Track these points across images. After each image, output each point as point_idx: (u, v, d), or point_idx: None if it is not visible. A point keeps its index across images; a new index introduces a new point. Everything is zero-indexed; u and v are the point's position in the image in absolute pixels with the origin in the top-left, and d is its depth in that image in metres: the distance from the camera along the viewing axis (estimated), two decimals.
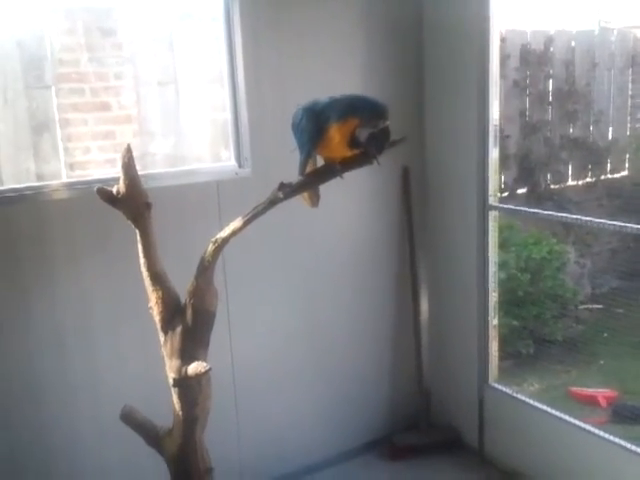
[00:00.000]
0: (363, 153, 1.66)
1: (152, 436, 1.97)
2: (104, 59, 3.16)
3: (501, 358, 3.20)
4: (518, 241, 3.77)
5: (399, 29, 2.95)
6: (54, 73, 3.11)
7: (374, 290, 3.10)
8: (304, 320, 2.92)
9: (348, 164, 1.73)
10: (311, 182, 1.78)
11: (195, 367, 1.82)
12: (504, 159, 3.97)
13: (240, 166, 2.65)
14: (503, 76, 3.53)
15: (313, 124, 1.64)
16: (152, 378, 2.08)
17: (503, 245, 3.59)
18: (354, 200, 2.97)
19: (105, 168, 3.27)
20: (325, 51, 2.78)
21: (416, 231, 3.12)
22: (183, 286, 1.88)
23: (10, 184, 2.86)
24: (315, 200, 1.85)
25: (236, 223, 1.77)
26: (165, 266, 1.89)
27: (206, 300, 1.87)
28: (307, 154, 1.69)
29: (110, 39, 3.19)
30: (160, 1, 2.99)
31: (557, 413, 2.68)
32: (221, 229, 2.28)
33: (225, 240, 1.78)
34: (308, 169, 1.76)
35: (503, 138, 3.92)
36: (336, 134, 1.62)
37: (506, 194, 4.17)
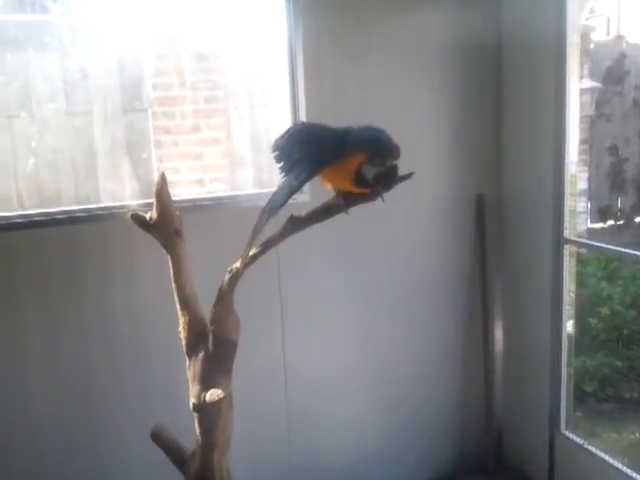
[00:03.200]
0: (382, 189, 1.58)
1: (178, 457, 2.02)
2: (195, 83, 3.30)
3: (600, 400, 2.91)
4: (626, 274, 3.42)
5: (475, 53, 2.84)
6: (149, 97, 3.29)
7: (442, 321, 2.99)
8: (364, 348, 2.87)
9: (352, 200, 1.66)
10: (319, 216, 1.73)
11: (212, 394, 1.83)
12: (620, 183, 3.64)
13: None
14: (609, 98, 3.25)
15: (309, 150, 1.58)
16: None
17: (610, 278, 3.28)
18: (425, 226, 2.89)
19: (193, 188, 3.41)
20: (394, 74, 2.75)
21: (489, 260, 2.96)
22: None
23: (108, 202, 3.07)
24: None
25: (249, 252, 1.76)
26: None
27: (226, 328, 1.88)
28: (301, 181, 1.61)
29: (202, 64, 3.32)
30: (248, 27, 3.06)
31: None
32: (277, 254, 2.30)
33: (240, 271, 1.77)
34: None
35: (621, 161, 3.60)
36: (346, 167, 1.54)
37: (621, 222, 3.81)
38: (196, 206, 2.61)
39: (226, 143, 3.38)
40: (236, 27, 3.02)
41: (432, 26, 2.76)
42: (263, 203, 1.65)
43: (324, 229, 2.44)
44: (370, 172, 1.53)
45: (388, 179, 1.55)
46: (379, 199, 1.61)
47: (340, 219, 2.38)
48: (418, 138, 2.79)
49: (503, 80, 2.86)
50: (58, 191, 3.07)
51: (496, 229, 2.96)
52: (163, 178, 1.92)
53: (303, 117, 2.59)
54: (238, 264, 1.78)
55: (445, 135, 2.87)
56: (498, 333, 3.06)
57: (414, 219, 2.85)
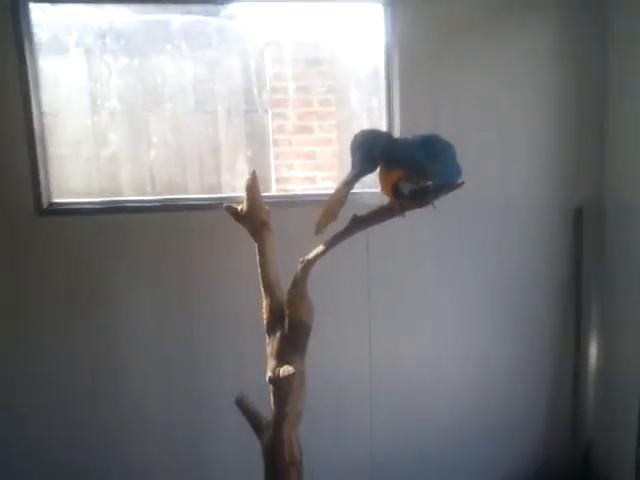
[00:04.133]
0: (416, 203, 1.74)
1: (256, 424, 2.24)
2: (310, 87, 3.55)
3: None
4: None
5: (577, 60, 2.83)
6: (269, 99, 3.58)
7: (535, 331, 3.02)
8: (451, 350, 2.96)
9: (407, 205, 1.81)
10: (378, 217, 1.89)
11: (284, 369, 2.05)
12: None
13: None
14: None
15: (362, 151, 1.77)
16: None
17: None
18: (519, 234, 2.94)
19: (304, 184, 3.66)
20: (491, 82, 2.81)
21: (586, 275, 2.95)
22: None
23: (227, 193, 3.39)
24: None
25: (320, 248, 1.96)
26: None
27: (300, 312, 2.08)
28: (354, 175, 1.87)
29: (317, 69, 3.56)
30: (354, 35, 3.25)
31: None
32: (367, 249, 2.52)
33: (310, 261, 1.98)
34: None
35: None
36: (386, 180, 1.73)
37: None
38: (287, 201, 2.86)
39: (337, 143, 3.58)
40: (344, 35, 3.21)
41: (533, 35, 2.79)
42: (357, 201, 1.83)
43: (416, 228, 2.62)
44: (406, 187, 1.72)
45: (422, 195, 1.71)
46: (432, 206, 1.74)
47: (433, 221, 2.55)
48: (514, 149, 2.85)
49: (608, 90, 2.81)
50: (185, 181, 3.43)
51: (595, 243, 2.93)
52: (254, 175, 2.16)
53: (397, 121, 2.72)
54: (309, 256, 1.98)
55: (544, 146, 2.89)
56: (592, 348, 3.03)
57: (508, 227, 2.91)
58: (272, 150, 3.64)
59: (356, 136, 1.88)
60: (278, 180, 3.64)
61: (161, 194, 3.03)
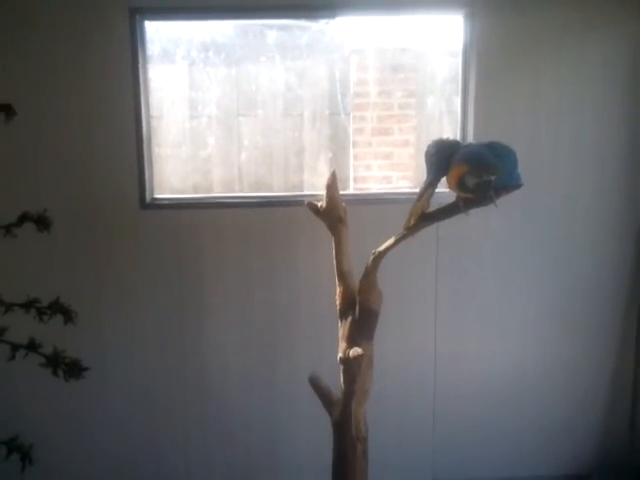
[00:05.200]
0: (479, 197, 1.92)
1: (327, 401, 2.48)
2: (391, 92, 3.77)
3: None
4: None
5: None
6: (351, 103, 3.83)
7: (598, 332, 3.14)
8: (514, 347, 3.11)
9: (470, 203, 2.00)
10: (443, 214, 2.09)
11: (354, 351, 2.27)
12: None
13: None
14: None
15: (438, 157, 1.97)
16: None
17: None
18: (589, 242, 3.06)
19: (381, 184, 3.89)
20: (565, 92, 2.94)
21: None
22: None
23: (308, 190, 3.66)
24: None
25: (390, 241, 2.18)
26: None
27: (370, 300, 2.31)
28: (428, 182, 2.03)
29: (398, 75, 3.77)
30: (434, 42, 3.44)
31: None
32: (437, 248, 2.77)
33: (381, 253, 2.20)
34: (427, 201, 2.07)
35: None
36: (451, 175, 1.92)
37: None
38: (363, 199, 3.12)
39: (414, 145, 3.78)
40: (427, 43, 3.40)
41: (607, 49, 2.89)
42: None
43: (487, 226, 2.80)
44: (470, 181, 1.86)
45: (485, 189, 1.85)
46: (493, 205, 1.92)
47: (503, 221, 2.71)
48: (584, 159, 2.98)
49: None
50: (270, 180, 3.72)
51: None
52: (333, 175, 2.40)
53: (471, 127, 2.90)
54: (380, 248, 2.21)
55: (614, 158, 2.99)
56: None
57: (576, 232, 3.04)
58: (352, 151, 3.87)
59: (429, 146, 2.09)
60: (356, 179, 3.87)
61: (249, 192, 3.32)
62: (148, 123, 2.93)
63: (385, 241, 2.20)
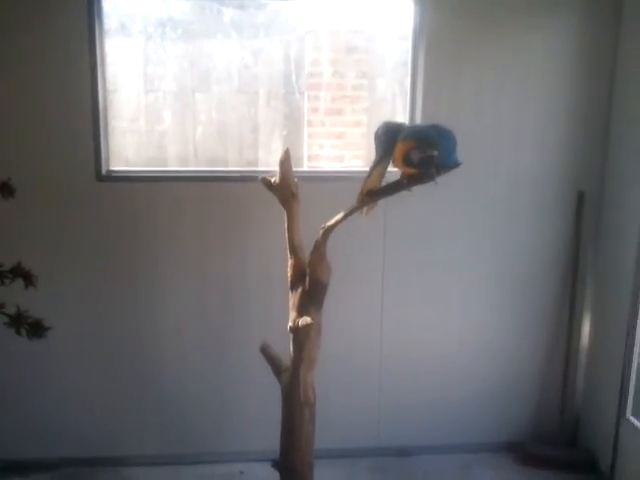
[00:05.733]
0: (422, 172, 2.06)
1: (277, 368, 2.60)
2: (345, 73, 3.87)
3: None
4: None
5: (589, 59, 3.08)
6: (306, 83, 3.91)
7: (533, 305, 3.32)
8: (456, 320, 3.30)
9: (413, 180, 2.13)
10: (388, 191, 2.23)
11: (303, 320, 2.39)
12: None
13: None
14: None
15: (386, 137, 2.10)
16: None
17: None
18: (524, 214, 3.22)
19: (334, 162, 3.99)
20: (505, 76, 3.08)
21: (583, 256, 3.21)
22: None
23: (262, 167, 3.74)
24: (369, 209, 2.33)
25: (339, 216, 2.30)
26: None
27: (318, 272, 2.43)
28: (377, 160, 2.15)
29: (352, 56, 3.87)
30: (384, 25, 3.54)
31: None
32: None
33: (330, 227, 2.32)
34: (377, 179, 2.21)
35: None
36: (398, 150, 2.05)
37: None
38: (316, 176, 3.25)
39: (366, 126, 3.90)
40: (379, 25, 3.51)
41: (549, 31, 3.05)
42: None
43: (430, 205, 2.94)
44: (415, 156, 2.00)
45: (429, 164, 2.00)
46: (434, 182, 2.06)
47: (445, 200, 2.86)
48: (525, 135, 3.14)
49: (615, 83, 3.06)
50: (225, 155, 3.80)
51: (594, 227, 3.21)
52: (287, 153, 2.50)
53: (419, 108, 3.03)
54: (329, 223, 2.33)
55: (552, 132, 3.15)
56: (585, 325, 3.32)
57: (515, 206, 3.20)
58: (306, 130, 3.97)
59: (378, 128, 2.22)
60: (310, 157, 3.97)
61: (204, 167, 3.39)
62: (104, 96, 2.97)
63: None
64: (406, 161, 2.02)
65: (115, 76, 3.21)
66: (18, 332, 1.56)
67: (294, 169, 2.49)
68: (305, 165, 3.90)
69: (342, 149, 3.96)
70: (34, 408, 3.14)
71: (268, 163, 3.53)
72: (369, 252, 3.15)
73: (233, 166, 3.46)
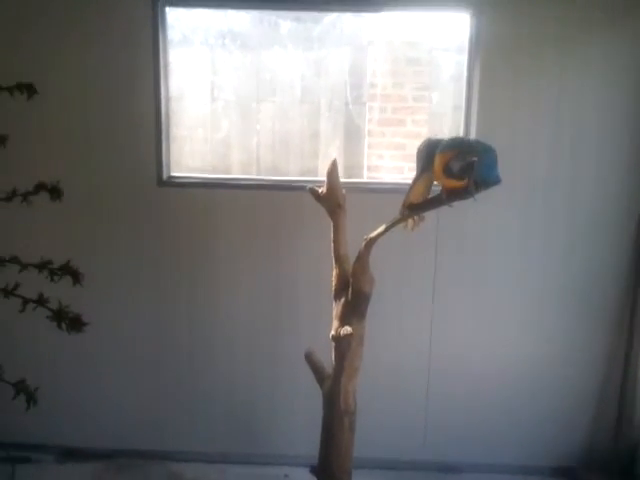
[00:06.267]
0: (464, 188, 2.04)
1: (320, 376, 2.63)
2: (406, 84, 3.88)
3: None
4: None
5: None
6: (367, 93, 3.95)
7: (591, 327, 3.19)
8: (509, 336, 3.20)
9: (452, 195, 2.12)
10: (428, 205, 2.22)
11: (344, 330, 2.42)
12: None
13: None
14: None
15: (426, 151, 2.11)
16: None
17: None
18: (583, 237, 3.11)
19: (393, 173, 4.01)
20: (564, 92, 3.00)
21: None
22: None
23: (322, 176, 3.79)
24: (414, 224, 2.31)
25: (381, 228, 2.32)
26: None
27: (361, 282, 2.44)
28: (417, 174, 2.16)
29: (413, 68, 3.89)
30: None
31: None
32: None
33: (372, 239, 2.34)
34: (420, 193, 2.21)
35: None
36: (437, 162, 2.05)
37: None
38: (374, 188, 3.18)
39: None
40: (440, 38, 3.51)
41: (608, 50, 2.94)
42: None
43: (485, 220, 2.92)
44: (455, 165, 1.98)
45: (470, 171, 1.98)
46: (472, 199, 2.04)
47: (502, 215, 2.91)
48: (585, 154, 3.04)
49: None
50: (286, 164, 3.88)
51: None
52: (334, 163, 2.53)
53: (474, 122, 3.00)
54: (371, 235, 2.34)
55: (611, 149, 3.04)
56: None
57: (572, 224, 3.09)
58: (367, 140, 3.99)
59: (420, 145, 2.22)
60: (369, 168, 3.99)
61: (264, 175, 3.48)
62: (167, 104, 3.09)
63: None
64: (446, 172, 2.01)
65: (179, 85, 3.34)
66: (59, 326, 1.67)
67: (351, 179, 2.51)
68: (365, 175, 3.92)
69: (401, 160, 3.96)
70: (91, 400, 3.30)
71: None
72: (420, 265, 3.13)
73: (294, 175, 3.54)
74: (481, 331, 3.17)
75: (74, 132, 3.04)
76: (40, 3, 2.95)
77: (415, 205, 2.20)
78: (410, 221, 2.32)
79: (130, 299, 3.21)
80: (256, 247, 3.15)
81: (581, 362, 3.19)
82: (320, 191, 2.51)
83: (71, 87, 3.00)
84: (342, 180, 2.55)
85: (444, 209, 2.25)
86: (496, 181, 2.03)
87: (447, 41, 3.53)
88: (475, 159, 1.92)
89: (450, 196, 2.08)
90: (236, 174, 3.48)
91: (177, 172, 3.21)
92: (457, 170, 1.96)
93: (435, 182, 2.19)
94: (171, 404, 3.29)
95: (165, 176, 3.10)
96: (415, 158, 2.21)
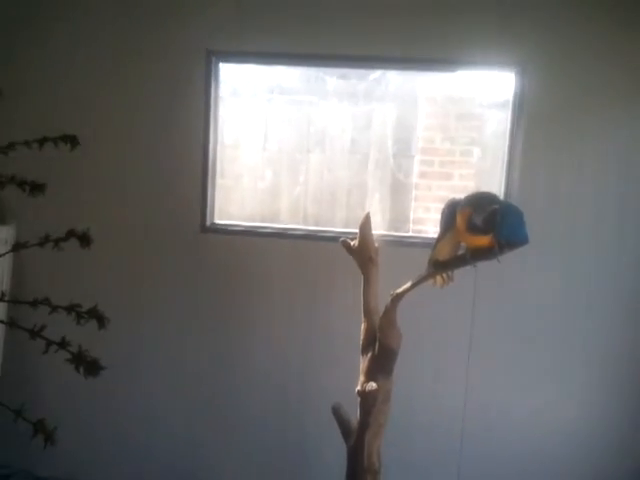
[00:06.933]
0: (488, 248, 2.02)
1: (345, 430, 2.61)
2: (455, 138, 3.90)
3: None
4: None
5: None
6: (417, 146, 3.98)
7: (632, 388, 3.09)
8: (550, 395, 3.13)
9: (477, 254, 2.10)
10: (451, 265, 2.21)
11: (369, 385, 2.40)
12: None
13: None
14: None
15: (448, 210, 2.10)
16: None
17: None
18: (623, 296, 3.03)
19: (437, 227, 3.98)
20: (606, 154, 2.97)
21: None
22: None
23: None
24: (443, 282, 2.30)
25: (407, 284, 2.31)
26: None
27: (389, 338, 2.43)
28: (440, 235, 2.17)
29: (463, 123, 3.90)
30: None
31: None
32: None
33: (399, 295, 2.33)
34: (445, 251, 2.19)
35: None
36: (459, 221, 2.04)
37: None
38: (418, 242, 3.21)
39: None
40: (489, 95, 3.52)
41: None
42: None
43: (523, 276, 2.87)
44: (478, 219, 1.97)
45: (494, 221, 1.96)
46: (497, 260, 2.02)
47: (542, 271, 2.90)
48: (629, 214, 3.00)
49: None
50: (333, 214, 3.93)
51: None
52: (367, 216, 2.55)
53: (517, 181, 2.99)
54: (398, 290, 2.34)
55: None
56: None
57: (613, 284, 3.04)
58: (413, 193, 4.00)
59: (444, 206, 2.23)
60: (414, 221, 3.99)
61: (309, 225, 3.54)
62: (214, 155, 3.21)
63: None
64: (470, 228, 1.99)
65: (227, 136, 3.46)
66: (77, 369, 1.72)
67: (394, 232, 2.51)
68: (411, 229, 3.92)
69: None
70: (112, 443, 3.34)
71: (375, 225, 3.61)
72: (457, 320, 3.09)
73: (340, 226, 3.57)
74: (517, 395, 3.09)
75: (120, 180, 3.20)
76: (93, 52, 3.13)
77: (440, 263, 2.18)
78: (439, 279, 2.30)
79: (164, 344, 3.29)
80: (292, 296, 3.19)
81: (622, 428, 3.09)
82: (352, 244, 2.53)
83: (121, 136, 3.16)
84: (386, 233, 2.57)
85: (484, 268, 2.23)
86: (523, 241, 1.99)
87: (494, 97, 3.53)
88: (497, 206, 1.90)
89: (474, 256, 2.06)
90: (284, 223, 3.54)
91: (220, 219, 3.29)
92: (480, 223, 1.95)
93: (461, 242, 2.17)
94: (199, 453, 3.30)
95: (209, 222, 3.19)
96: (439, 218, 2.20)
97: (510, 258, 2.10)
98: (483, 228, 1.98)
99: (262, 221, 3.49)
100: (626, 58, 2.88)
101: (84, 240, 1.82)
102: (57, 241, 1.84)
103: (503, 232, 1.96)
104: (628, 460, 3.15)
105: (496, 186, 3.50)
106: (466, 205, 2.02)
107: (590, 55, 2.89)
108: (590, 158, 2.95)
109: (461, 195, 2.18)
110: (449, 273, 2.29)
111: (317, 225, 3.58)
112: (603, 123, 2.95)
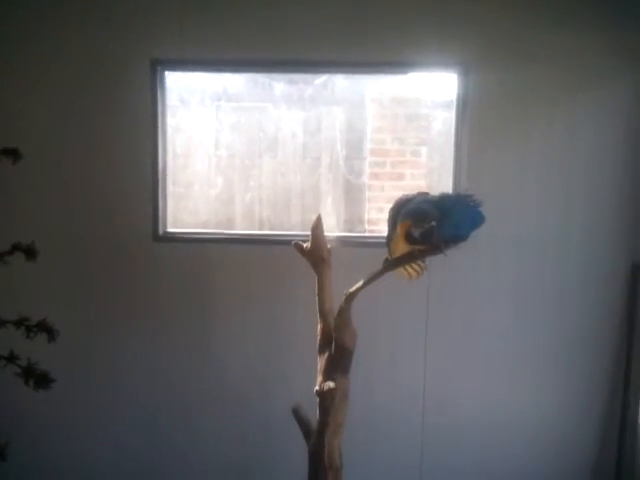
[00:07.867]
0: (431, 245, 2.08)
1: (306, 431, 2.63)
2: (404, 139, 3.95)
3: None
4: None
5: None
6: (367, 148, 4.03)
7: (585, 375, 3.17)
8: (505, 384, 3.21)
9: (424, 251, 2.15)
10: (400, 262, 2.25)
11: (327, 385, 2.43)
12: None
13: None
14: None
15: (392, 214, 2.15)
16: None
17: None
18: (575, 286, 3.12)
19: None
20: (551, 145, 3.06)
21: (638, 329, 3.02)
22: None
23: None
24: (417, 274, 2.35)
25: (360, 283, 2.34)
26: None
27: (344, 337, 2.46)
28: (389, 234, 2.25)
29: (411, 123, 3.96)
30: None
31: None
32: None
33: (352, 294, 2.36)
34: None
35: None
36: (399, 232, 2.11)
37: None
38: (356, 242, 3.25)
39: (425, 190, 3.93)
40: (434, 94, 3.59)
41: (596, 101, 3.01)
42: None
43: (476, 271, 2.94)
44: (416, 232, 2.04)
45: (430, 235, 2.04)
46: (443, 255, 2.08)
47: (491, 269, 2.99)
48: (575, 206, 3.08)
49: None
50: (288, 217, 3.94)
51: None
52: (318, 219, 2.58)
53: (464, 181, 3.06)
54: (351, 289, 2.37)
55: (604, 204, 3.08)
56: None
57: (564, 275, 3.12)
58: (366, 194, 4.05)
59: (392, 205, 2.27)
60: (369, 221, 4.04)
61: (264, 230, 3.54)
62: (164, 163, 3.20)
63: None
64: (410, 240, 2.07)
65: (177, 144, 3.46)
66: (26, 383, 1.71)
67: (350, 233, 2.52)
68: (366, 230, 3.96)
69: None
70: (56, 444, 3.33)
71: (329, 227, 3.64)
72: (412, 315, 3.15)
73: (295, 230, 3.59)
74: (475, 384, 3.17)
75: (67, 192, 3.16)
76: (45, 67, 3.09)
77: (392, 260, 2.22)
78: (412, 271, 2.35)
79: (121, 354, 3.26)
80: (251, 301, 3.19)
81: (575, 414, 3.16)
82: (305, 246, 2.55)
83: (67, 147, 3.13)
84: (343, 234, 2.59)
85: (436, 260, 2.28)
86: (465, 236, 2.05)
87: (440, 98, 3.60)
88: (433, 224, 1.95)
89: (422, 252, 2.10)
90: (231, 229, 3.54)
91: (173, 228, 3.28)
92: (418, 236, 2.02)
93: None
94: (163, 460, 3.29)
95: (161, 231, 3.17)
96: (387, 218, 2.25)
97: (462, 253, 2.18)
98: (420, 241, 2.08)
99: (216, 228, 3.48)
100: (566, 56, 2.98)
101: (29, 253, 1.80)
102: (2, 255, 1.81)
103: (445, 232, 2.02)
104: (579, 450, 3.25)
105: (445, 184, 3.57)
106: (405, 218, 2.08)
107: (530, 54, 2.97)
108: (533, 154, 3.03)
109: (408, 193, 2.23)
110: (420, 263, 2.33)
111: (272, 229, 3.59)
112: (545, 119, 3.04)
